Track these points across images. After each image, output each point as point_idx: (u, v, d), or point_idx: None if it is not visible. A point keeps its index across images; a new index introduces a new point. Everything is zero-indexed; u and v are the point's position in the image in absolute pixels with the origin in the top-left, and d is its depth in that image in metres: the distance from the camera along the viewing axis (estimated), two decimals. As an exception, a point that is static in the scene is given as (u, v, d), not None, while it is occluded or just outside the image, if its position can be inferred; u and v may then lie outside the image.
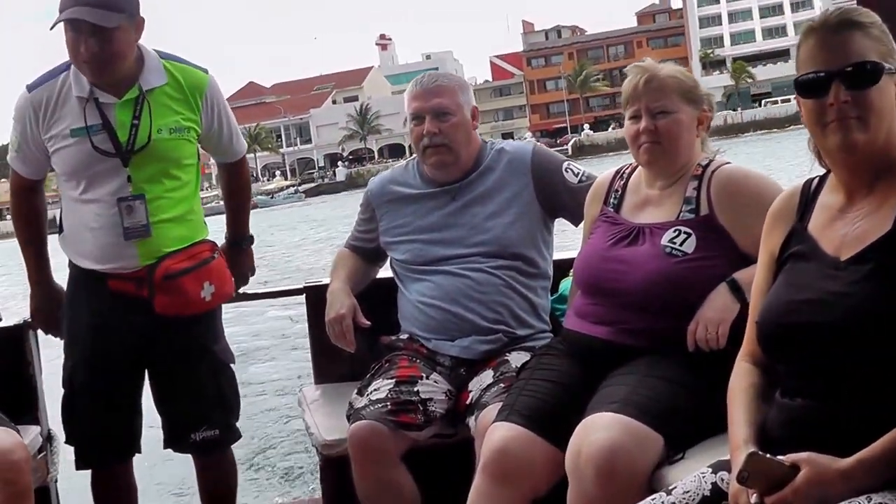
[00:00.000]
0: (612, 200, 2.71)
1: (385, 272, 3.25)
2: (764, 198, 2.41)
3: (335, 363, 3.33)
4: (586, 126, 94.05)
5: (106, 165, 2.93)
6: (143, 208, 2.93)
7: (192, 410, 3.09)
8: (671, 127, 2.56)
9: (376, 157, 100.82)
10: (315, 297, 3.34)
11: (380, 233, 3.17)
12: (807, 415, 1.78)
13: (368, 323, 3.03)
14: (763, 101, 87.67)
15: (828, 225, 1.88)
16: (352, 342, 3.01)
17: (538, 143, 3.21)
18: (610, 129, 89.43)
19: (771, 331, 1.90)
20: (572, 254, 2.87)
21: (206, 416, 3.09)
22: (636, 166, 2.73)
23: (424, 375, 2.87)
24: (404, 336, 3.02)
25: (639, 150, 2.60)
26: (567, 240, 3.14)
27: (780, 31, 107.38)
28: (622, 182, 2.73)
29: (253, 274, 3.43)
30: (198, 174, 3.13)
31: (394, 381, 2.83)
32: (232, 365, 3.19)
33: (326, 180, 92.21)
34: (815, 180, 1.97)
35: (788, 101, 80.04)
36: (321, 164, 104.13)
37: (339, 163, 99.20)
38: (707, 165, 2.60)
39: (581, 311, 2.63)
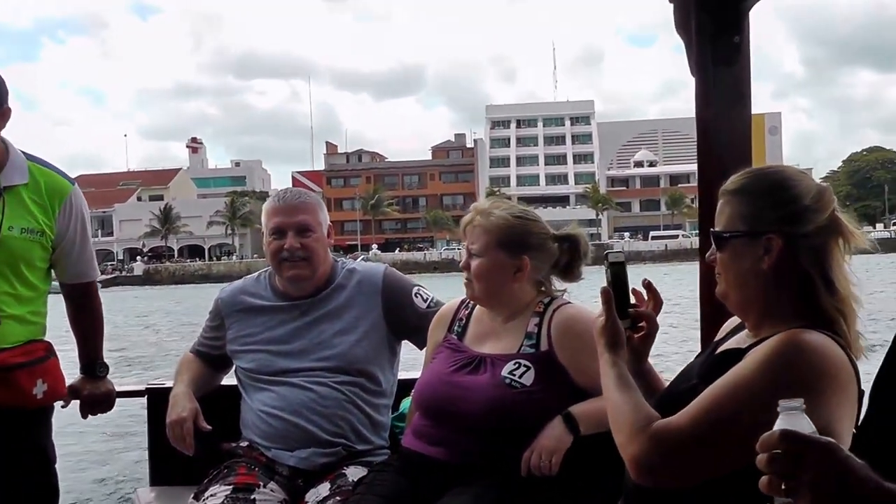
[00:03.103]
0: (456, 328, 2.70)
1: (229, 379, 3.15)
2: None
3: (172, 466, 3.14)
4: (375, 246, 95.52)
5: None
6: None
7: None
8: (478, 268, 2.58)
9: (176, 255, 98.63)
10: (156, 398, 3.19)
11: (227, 341, 3.07)
12: None
13: (209, 427, 2.90)
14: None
15: None
16: (191, 445, 2.87)
17: (389, 266, 3.18)
18: (396, 252, 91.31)
19: None
20: (415, 374, 2.86)
21: None
22: None
23: (262, 484, 2.76)
24: (244, 443, 2.91)
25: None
26: (411, 361, 3.14)
27: (563, 178, 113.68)
28: (467, 311, 2.73)
29: (110, 407, 3.17)
30: (48, 281, 2.96)
31: (231, 487, 2.72)
32: (55, 465, 2.97)
33: (124, 273, 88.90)
34: None
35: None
36: (120, 257, 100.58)
37: (139, 258, 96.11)
38: (549, 303, 2.61)
39: (419, 431, 2.60)
